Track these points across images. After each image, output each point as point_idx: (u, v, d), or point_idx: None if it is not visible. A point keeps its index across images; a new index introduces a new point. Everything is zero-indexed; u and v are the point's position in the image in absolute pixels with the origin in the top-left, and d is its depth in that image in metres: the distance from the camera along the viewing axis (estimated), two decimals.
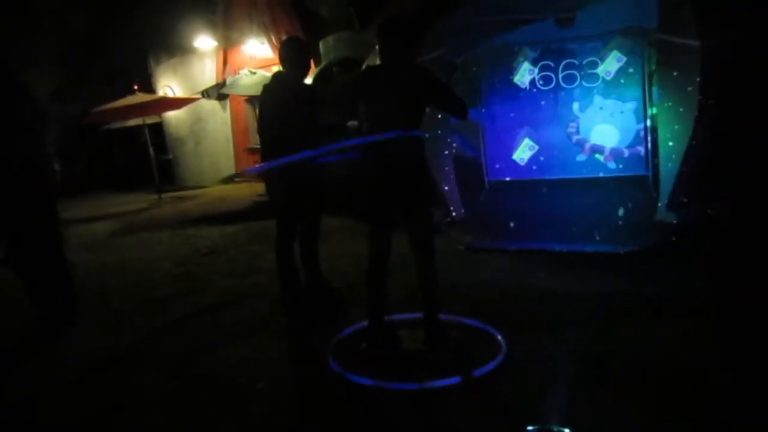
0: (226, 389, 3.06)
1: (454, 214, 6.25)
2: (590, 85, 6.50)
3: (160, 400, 3.02)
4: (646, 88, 6.26)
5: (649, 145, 6.28)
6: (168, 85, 15.84)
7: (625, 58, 6.23)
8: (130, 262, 6.28)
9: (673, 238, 4.89)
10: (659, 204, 5.31)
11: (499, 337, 3.27)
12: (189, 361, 3.48)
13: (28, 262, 4.08)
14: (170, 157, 16.18)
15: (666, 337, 3.22)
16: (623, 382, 2.78)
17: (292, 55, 4.06)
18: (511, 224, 5.81)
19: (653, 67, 6.05)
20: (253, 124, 13.71)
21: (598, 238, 5.13)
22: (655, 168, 5.85)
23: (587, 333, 3.33)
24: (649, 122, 6.27)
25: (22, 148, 3.95)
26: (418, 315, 3.40)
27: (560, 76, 6.60)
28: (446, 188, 6.22)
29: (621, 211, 5.52)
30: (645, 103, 6.30)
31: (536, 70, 6.67)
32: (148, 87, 15.50)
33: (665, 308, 3.65)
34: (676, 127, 5.09)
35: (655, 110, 5.86)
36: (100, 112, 12.61)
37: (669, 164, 5.17)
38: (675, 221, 5.10)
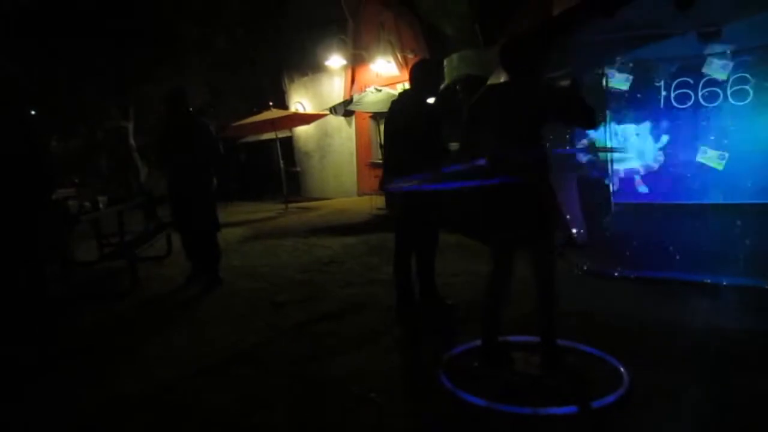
0: (340, 395, 3.18)
1: (576, 236, 6.00)
2: (737, 103, 5.94)
3: (279, 398, 3.19)
4: None
5: None
6: (299, 102, 16.78)
7: None
8: (257, 267, 6.70)
9: None
10: None
11: (621, 369, 3.10)
12: (307, 364, 3.65)
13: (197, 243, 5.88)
14: (298, 169, 17.06)
15: None
16: None
17: (420, 75, 4.21)
18: (636, 250, 5.47)
19: None
20: (375, 140, 14.13)
21: (735, 270, 4.68)
22: None
23: (717, 374, 3.08)
24: None
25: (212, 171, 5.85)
26: (535, 338, 3.32)
27: (700, 93, 6.11)
28: (569, 209, 6.00)
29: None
30: None
31: (671, 87, 6.23)
32: (281, 103, 16.52)
33: None
34: None
35: None
36: (237, 126, 13.65)
37: None
38: None
